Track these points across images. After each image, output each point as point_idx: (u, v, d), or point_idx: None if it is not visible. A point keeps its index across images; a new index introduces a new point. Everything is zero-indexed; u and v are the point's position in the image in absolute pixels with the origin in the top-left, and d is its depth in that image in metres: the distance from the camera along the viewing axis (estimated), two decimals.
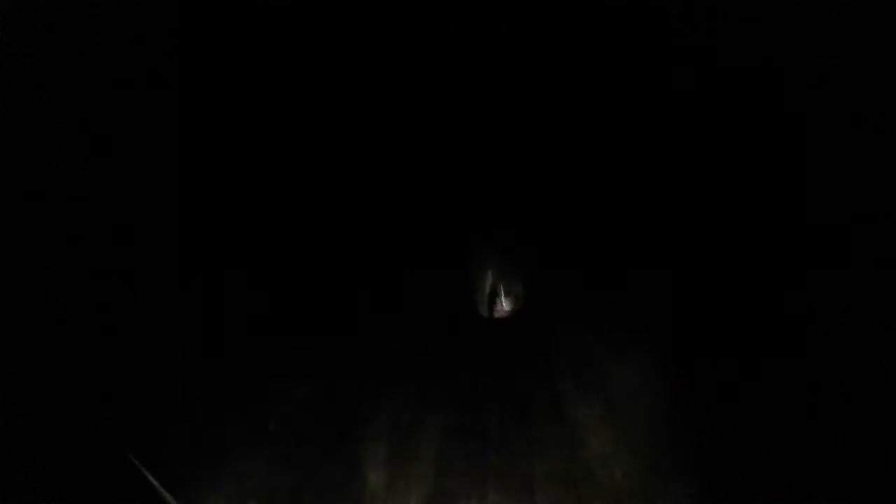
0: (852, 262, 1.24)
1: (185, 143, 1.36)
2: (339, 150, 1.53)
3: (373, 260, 1.58)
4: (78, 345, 1.22)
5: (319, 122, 1.49)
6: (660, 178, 1.50)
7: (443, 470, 1.33)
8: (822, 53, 1.19)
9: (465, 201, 1.60)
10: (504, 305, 1.64)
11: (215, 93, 1.37)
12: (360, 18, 1.39)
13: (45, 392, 1.19)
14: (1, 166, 1.14)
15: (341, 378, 1.48)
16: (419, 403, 1.44)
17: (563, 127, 1.53)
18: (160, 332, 1.33)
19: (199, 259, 1.42)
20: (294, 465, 1.31)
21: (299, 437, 1.36)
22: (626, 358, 1.50)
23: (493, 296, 1.64)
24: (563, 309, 1.61)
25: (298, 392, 1.44)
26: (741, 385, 1.34)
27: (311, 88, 1.45)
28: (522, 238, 1.64)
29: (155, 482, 1.15)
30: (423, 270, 1.60)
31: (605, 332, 1.55)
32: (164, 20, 1.26)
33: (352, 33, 1.41)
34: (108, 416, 1.21)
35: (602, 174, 1.55)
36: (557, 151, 1.56)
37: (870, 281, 1.22)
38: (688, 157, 1.46)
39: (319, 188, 1.53)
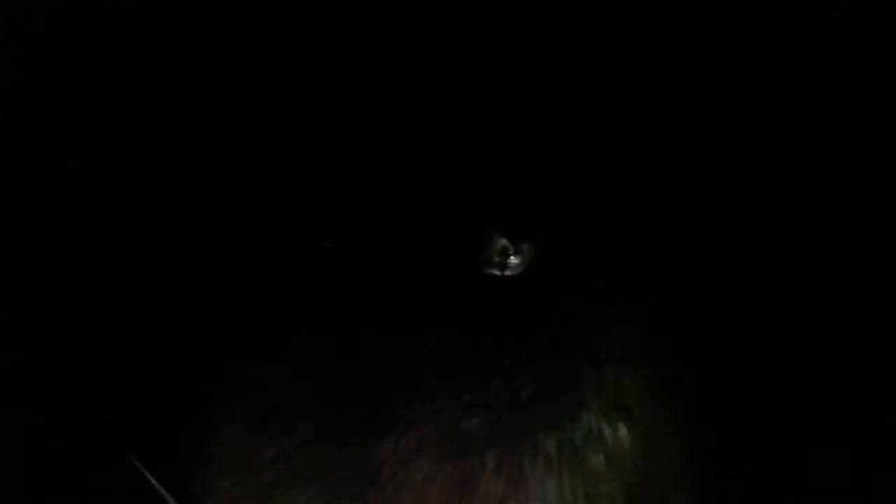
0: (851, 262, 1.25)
1: (186, 143, 1.37)
2: (344, 146, 1.52)
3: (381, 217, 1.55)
4: (78, 344, 1.23)
5: (327, 109, 1.48)
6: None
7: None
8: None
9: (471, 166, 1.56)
10: (514, 262, 1.60)
11: (216, 92, 1.38)
12: (363, 16, 1.39)
13: (45, 392, 1.20)
14: (1, 166, 1.15)
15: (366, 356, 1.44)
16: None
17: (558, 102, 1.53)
18: (161, 332, 1.34)
19: (202, 257, 1.42)
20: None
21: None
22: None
23: (504, 254, 1.60)
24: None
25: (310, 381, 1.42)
26: (741, 385, 1.34)
27: (317, 76, 1.45)
28: (528, 195, 1.60)
29: (155, 482, 1.16)
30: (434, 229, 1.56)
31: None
32: (165, 20, 1.26)
33: (357, 28, 1.42)
34: (108, 416, 1.22)
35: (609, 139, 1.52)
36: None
37: (870, 281, 1.22)
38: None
39: (324, 170, 1.50)
